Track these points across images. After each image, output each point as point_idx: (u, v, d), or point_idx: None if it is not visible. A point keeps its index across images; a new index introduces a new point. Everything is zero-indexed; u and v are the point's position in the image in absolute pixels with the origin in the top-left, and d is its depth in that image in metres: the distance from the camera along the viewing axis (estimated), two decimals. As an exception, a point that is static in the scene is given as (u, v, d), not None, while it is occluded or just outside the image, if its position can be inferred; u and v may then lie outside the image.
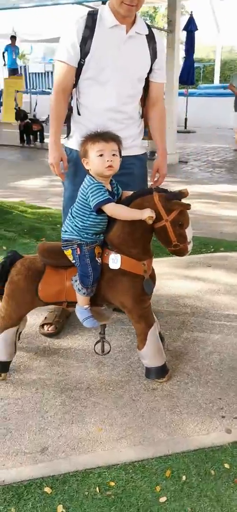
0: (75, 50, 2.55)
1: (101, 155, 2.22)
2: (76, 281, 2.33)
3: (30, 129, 10.87)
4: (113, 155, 2.24)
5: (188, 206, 2.24)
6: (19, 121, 10.93)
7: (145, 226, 2.23)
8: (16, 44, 16.64)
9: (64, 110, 2.71)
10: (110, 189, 2.31)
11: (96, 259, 2.31)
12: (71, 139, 2.79)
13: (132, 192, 2.36)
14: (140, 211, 2.21)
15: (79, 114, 2.71)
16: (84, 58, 2.56)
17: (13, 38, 16.26)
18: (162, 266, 3.76)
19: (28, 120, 10.88)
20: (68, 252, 2.34)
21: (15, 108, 11.01)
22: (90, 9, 2.69)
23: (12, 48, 16.13)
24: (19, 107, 11.01)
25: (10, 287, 2.37)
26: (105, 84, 2.60)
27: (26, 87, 16.50)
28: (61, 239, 2.36)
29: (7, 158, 9.49)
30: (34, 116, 11.65)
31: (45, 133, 10.88)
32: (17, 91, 11.88)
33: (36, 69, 19.46)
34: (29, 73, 18.86)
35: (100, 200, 2.21)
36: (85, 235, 2.29)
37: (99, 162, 2.22)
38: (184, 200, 2.26)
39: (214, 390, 2.45)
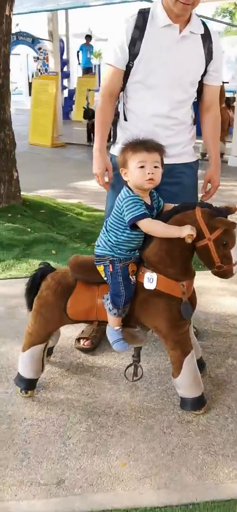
0: (123, 52, 2.39)
1: (142, 167, 2.04)
2: (107, 299, 2.16)
3: (97, 128, 10.82)
4: (155, 167, 2.05)
5: (233, 225, 2.01)
6: (87, 120, 10.94)
7: (185, 244, 2.02)
8: (91, 43, 16.77)
9: (110, 115, 2.56)
10: (149, 202, 2.12)
11: (130, 277, 2.13)
12: (117, 146, 2.63)
13: (173, 205, 2.16)
14: (179, 228, 2.01)
15: (125, 119, 2.55)
16: (133, 60, 2.40)
17: (88, 37, 16.45)
18: (213, 280, 3.43)
19: (96, 119, 10.84)
20: (100, 268, 2.19)
21: (83, 107, 11.02)
22: (142, 8, 2.50)
23: (86, 47, 16.32)
24: (87, 106, 11.01)
25: (38, 302, 2.25)
26: (154, 88, 2.41)
27: (99, 86, 16.54)
28: (94, 254, 2.21)
29: (73, 157, 9.51)
30: (104, 115, 11.55)
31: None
32: (89, 90, 11.89)
33: (109, 68, 19.52)
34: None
35: (135, 215, 2.03)
36: (119, 251, 2.12)
37: (139, 174, 2.03)
38: (230, 218, 2.04)
39: (256, 429, 2.20)
